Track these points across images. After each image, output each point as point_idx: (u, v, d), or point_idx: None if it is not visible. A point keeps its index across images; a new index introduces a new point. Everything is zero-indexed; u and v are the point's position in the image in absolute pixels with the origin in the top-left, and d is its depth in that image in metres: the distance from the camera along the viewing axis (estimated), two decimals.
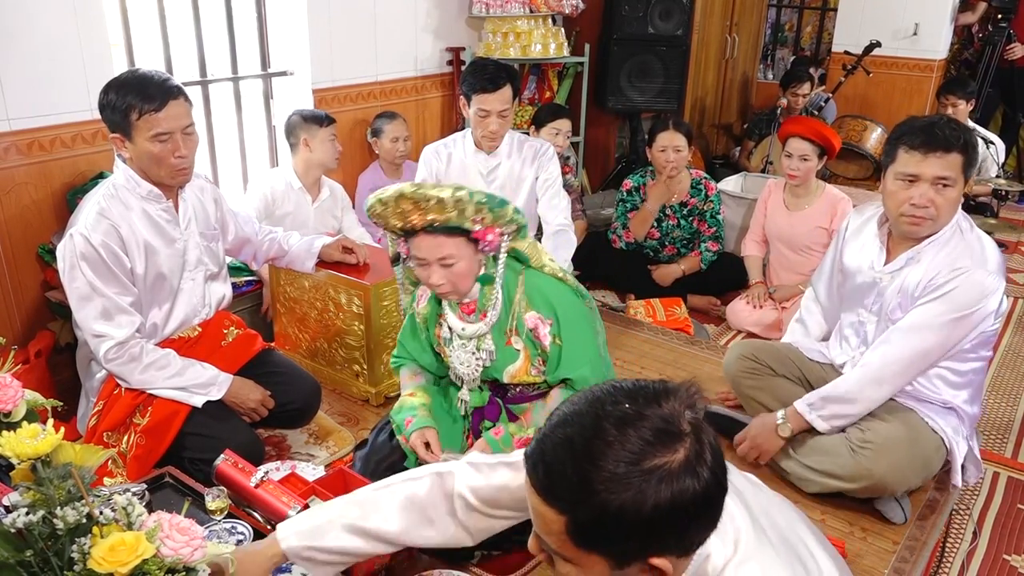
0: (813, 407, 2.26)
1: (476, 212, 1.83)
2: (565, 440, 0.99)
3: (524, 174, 3.17)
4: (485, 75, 2.94)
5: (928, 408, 2.23)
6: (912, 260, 2.17)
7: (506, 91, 2.97)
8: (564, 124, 3.79)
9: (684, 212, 3.74)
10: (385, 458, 2.15)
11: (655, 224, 3.76)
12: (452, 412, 2.20)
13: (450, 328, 2.09)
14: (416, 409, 2.08)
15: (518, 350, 2.04)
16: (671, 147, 3.55)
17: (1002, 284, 2.09)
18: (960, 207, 2.16)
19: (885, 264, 2.24)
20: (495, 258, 1.99)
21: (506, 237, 1.95)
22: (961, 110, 4.66)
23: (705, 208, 3.71)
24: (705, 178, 3.74)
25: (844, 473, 2.18)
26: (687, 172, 3.73)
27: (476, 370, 2.08)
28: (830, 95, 5.09)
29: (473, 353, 2.07)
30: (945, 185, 2.06)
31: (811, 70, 5.15)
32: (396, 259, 2.14)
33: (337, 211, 3.45)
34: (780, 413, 2.32)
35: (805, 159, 3.33)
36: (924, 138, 2.05)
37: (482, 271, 1.99)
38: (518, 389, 2.13)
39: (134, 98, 2.03)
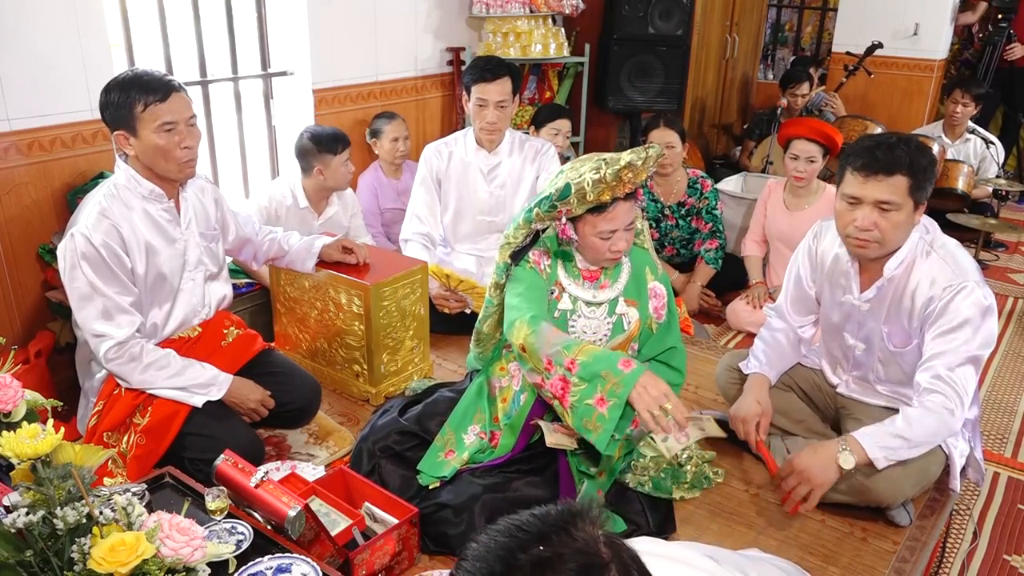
0: (883, 448, 2.01)
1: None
2: None
3: (525, 173, 3.18)
4: (486, 66, 2.99)
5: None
6: (885, 288, 2.13)
7: (505, 83, 2.99)
8: (564, 124, 3.79)
9: (682, 212, 3.74)
10: (381, 440, 2.18)
11: (655, 225, 3.76)
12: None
13: (573, 297, 2.14)
14: (618, 353, 1.95)
15: (631, 322, 2.14)
16: (664, 144, 3.57)
17: (991, 293, 2.06)
18: (922, 224, 2.11)
19: (861, 292, 2.19)
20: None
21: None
22: (969, 111, 4.65)
23: (701, 205, 3.72)
24: (702, 176, 3.75)
25: (841, 487, 2.13)
26: (683, 171, 3.73)
27: (605, 335, 2.15)
28: (834, 93, 5.09)
29: (604, 319, 2.14)
30: (887, 209, 1.99)
31: (811, 70, 5.14)
32: (517, 254, 2.15)
33: (345, 221, 3.42)
34: (841, 444, 2.02)
35: (812, 160, 3.33)
36: (865, 160, 2.00)
37: None
38: None
39: (138, 92, 2.03)
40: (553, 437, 2.05)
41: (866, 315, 2.20)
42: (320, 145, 3.18)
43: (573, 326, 2.13)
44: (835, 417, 2.46)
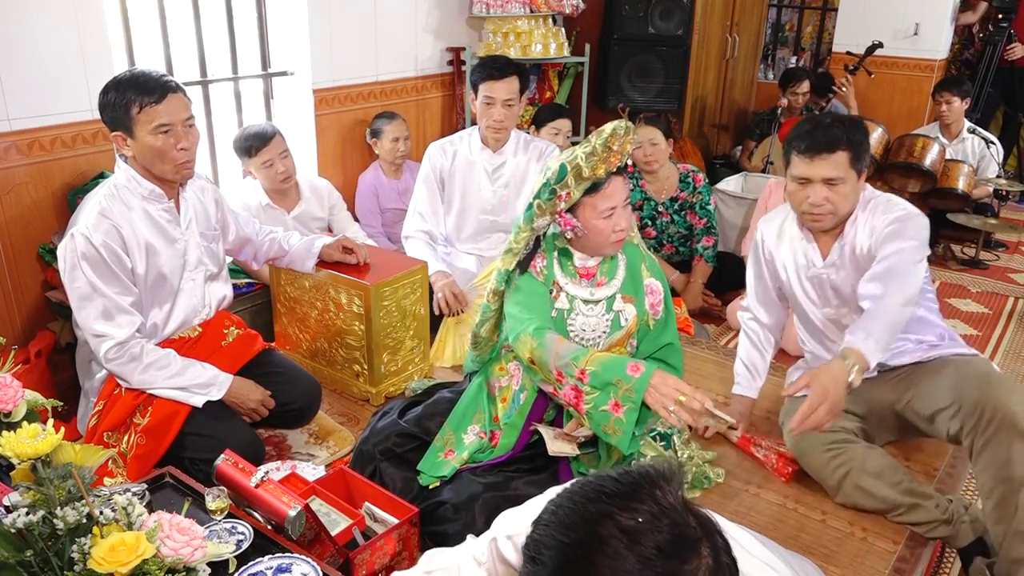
0: (870, 337, 1.98)
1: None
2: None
3: (529, 173, 3.18)
4: (494, 65, 3.02)
5: (947, 346, 2.30)
6: (844, 247, 2.25)
7: (512, 81, 3.00)
8: (564, 124, 3.79)
9: (676, 207, 3.74)
10: (381, 442, 2.17)
11: (651, 223, 3.76)
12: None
13: (571, 296, 2.13)
14: (625, 358, 1.96)
15: (627, 319, 2.13)
16: (647, 141, 3.60)
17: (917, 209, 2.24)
18: (864, 186, 2.26)
19: (824, 260, 2.30)
20: None
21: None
22: (956, 107, 4.66)
23: (694, 200, 3.72)
24: (693, 171, 3.76)
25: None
26: (673, 167, 3.74)
27: (604, 332, 2.14)
28: (849, 77, 5.08)
29: (603, 316, 2.13)
30: (835, 183, 2.16)
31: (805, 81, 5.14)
32: (524, 262, 2.14)
33: (321, 212, 3.42)
34: (848, 361, 1.94)
35: None
36: (809, 142, 2.16)
37: None
38: None
39: (134, 93, 2.03)
40: (555, 445, 2.05)
41: (835, 280, 2.29)
42: (237, 149, 3.19)
43: (572, 325, 2.13)
44: (897, 417, 2.33)
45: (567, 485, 0.95)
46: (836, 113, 2.21)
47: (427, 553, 1.43)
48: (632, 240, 2.19)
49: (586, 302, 2.12)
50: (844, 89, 5.00)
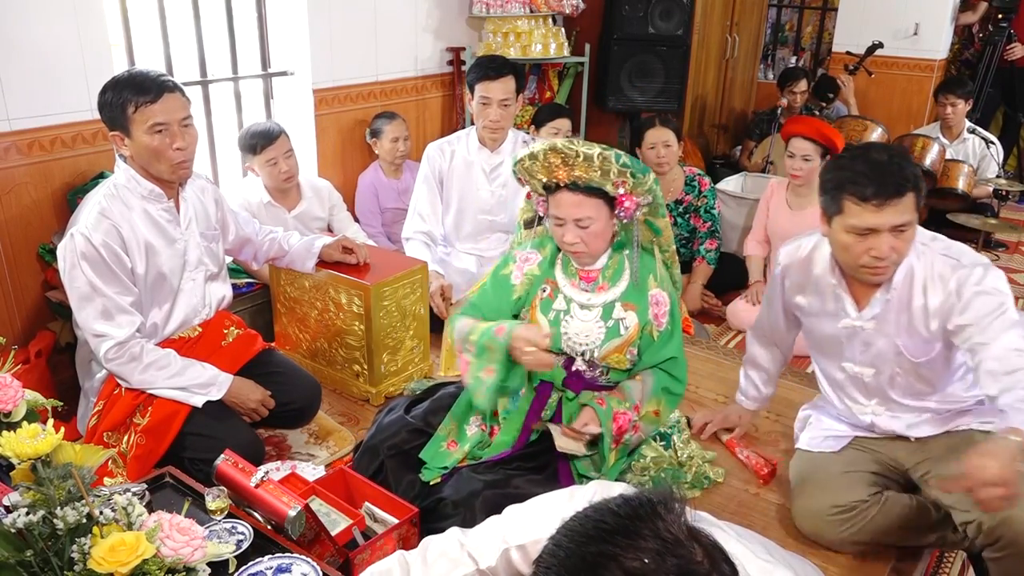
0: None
1: (619, 175, 1.91)
2: None
3: None
4: (490, 65, 3.01)
5: (977, 414, 2.07)
6: (891, 300, 1.98)
7: (509, 81, 3.00)
8: (564, 124, 3.79)
9: (680, 210, 3.74)
10: (389, 438, 2.16)
11: None
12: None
13: (568, 298, 2.12)
14: (498, 323, 2.04)
15: (628, 327, 2.09)
16: (660, 143, 3.59)
17: (986, 260, 1.99)
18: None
19: (860, 310, 2.04)
20: (627, 228, 2.07)
21: (643, 208, 2.02)
22: (960, 109, 4.67)
23: (699, 204, 3.72)
24: (699, 174, 3.76)
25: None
26: (680, 169, 3.74)
27: (598, 339, 2.10)
28: (849, 77, 5.09)
29: (596, 322, 2.09)
30: (903, 229, 1.87)
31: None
32: (529, 223, 2.21)
33: (322, 212, 3.42)
34: (1016, 439, 1.69)
35: (807, 159, 3.33)
36: (875, 187, 1.82)
37: (618, 238, 2.07)
38: (596, 371, 2.14)
39: (129, 92, 2.03)
40: (562, 441, 2.05)
41: (872, 334, 2.04)
42: (241, 145, 3.20)
43: (565, 327, 2.12)
44: (906, 478, 2.17)
45: (567, 519, 0.90)
46: (882, 146, 1.99)
47: (425, 540, 1.42)
48: (654, 249, 2.14)
49: (582, 306, 2.10)
50: (844, 86, 5.01)
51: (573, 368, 2.15)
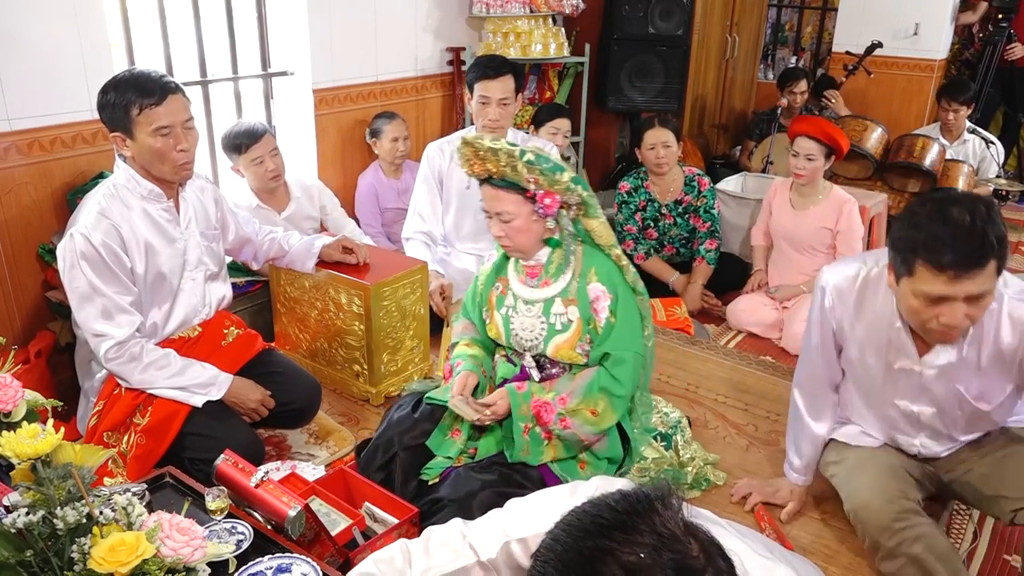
0: None
1: (528, 171, 1.90)
2: None
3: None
4: (489, 64, 3.02)
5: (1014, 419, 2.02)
6: (961, 352, 1.85)
7: (508, 80, 3.00)
8: (563, 124, 3.80)
9: (680, 210, 3.74)
10: (407, 431, 2.15)
11: (653, 224, 3.76)
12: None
13: (515, 294, 2.13)
14: (465, 356, 2.19)
15: (571, 321, 2.07)
16: (660, 144, 3.59)
17: None
18: None
19: (921, 356, 1.89)
20: (563, 227, 2.06)
21: (571, 208, 2.01)
22: (962, 115, 4.68)
23: (699, 204, 3.72)
24: (699, 174, 3.75)
25: None
26: (679, 170, 3.74)
27: (540, 335, 2.10)
28: (835, 92, 5.10)
29: (538, 317, 2.10)
30: (981, 298, 1.68)
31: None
32: None
33: (313, 211, 3.39)
34: None
35: (810, 159, 3.32)
36: (954, 256, 1.62)
37: (553, 235, 2.06)
38: (553, 369, 2.13)
39: (133, 94, 2.03)
40: (455, 401, 2.07)
41: (933, 380, 1.91)
42: (225, 145, 3.16)
43: (513, 323, 2.14)
44: (940, 484, 2.10)
45: (565, 513, 0.91)
46: (961, 198, 1.71)
47: (428, 529, 1.43)
48: (604, 245, 2.09)
49: (525, 302, 2.11)
50: (833, 102, 5.02)
51: (523, 365, 2.17)
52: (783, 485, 2.30)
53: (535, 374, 2.16)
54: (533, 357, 2.16)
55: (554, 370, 2.14)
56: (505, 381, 2.17)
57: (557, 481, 2.08)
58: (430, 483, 2.09)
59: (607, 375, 2.04)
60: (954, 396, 1.91)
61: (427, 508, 2.04)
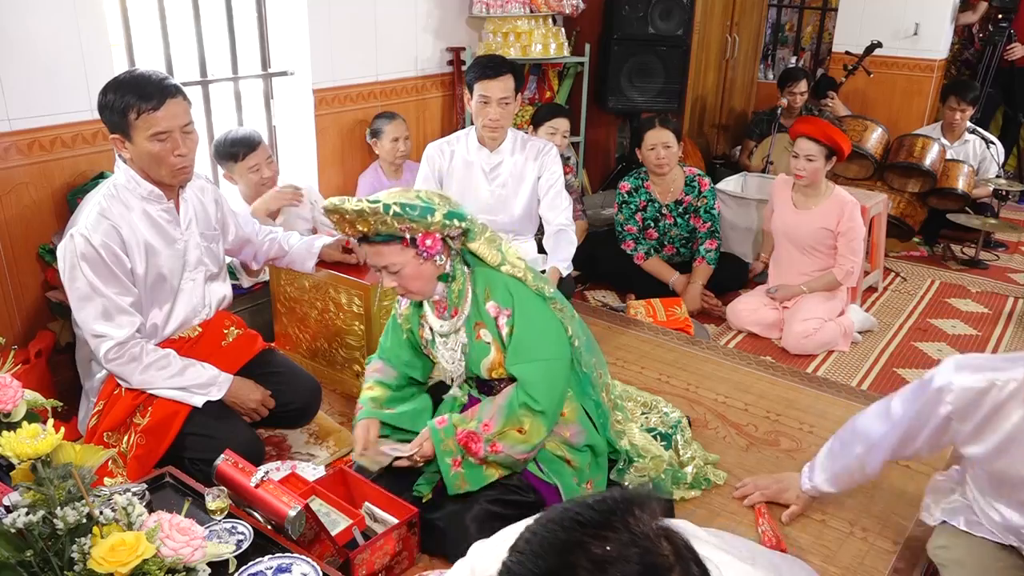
0: None
1: (399, 222, 1.86)
2: None
3: (526, 172, 3.18)
4: (489, 64, 3.02)
5: None
6: None
7: (508, 80, 3.00)
8: (561, 123, 3.79)
9: (680, 210, 3.74)
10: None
11: (653, 224, 3.76)
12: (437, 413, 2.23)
13: (431, 329, 2.13)
14: (366, 401, 2.19)
15: (488, 343, 2.05)
16: (660, 144, 3.59)
17: None
18: None
19: None
20: (454, 257, 2.03)
21: (452, 240, 1.99)
22: (967, 115, 4.68)
23: (699, 204, 3.72)
24: (699, 175, 3.75)
25: None
26: (680, 170, 3.74)
27: (460, 366, 2.11)
28: (833, 94, 5.11)
29: (454, 349, 2.10)
30: None
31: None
32: None
33: (305, 211, 3.37)
34: None
35: (810, 159, 3.33)
36: None
37: (444, 271, 2.02)
38: (502, 384, 2.12)
39: (132, 98, 2.02)
40: (362, 459, 2.10)
41: None
42: (219, 153, 3.15)
43: (437, 357, 2.16)
44: None
45: (546, 512, 0.94)
46: None
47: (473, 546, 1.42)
48: (492, 264, 2.05)
49: (441, 335, 2.11)
50: (832, 103, 5.02)
51: (468, 391, 2.20)
52: (792, 487, 2.26)
53: (462, 396, 2.19)
54: (468, 382, 2.18)
55: (502, 385, 2.12)
56: (464, 407, 2.17)
57: (547, 486, 2.09)
58: (424, 500, 2.09)
59: (523, 393, 2.00)
60: None
61: (426, 523, 2.04)
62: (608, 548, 0.86)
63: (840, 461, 2.09)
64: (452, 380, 2.20)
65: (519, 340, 2.00)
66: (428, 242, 1.92)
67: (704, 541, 1.17)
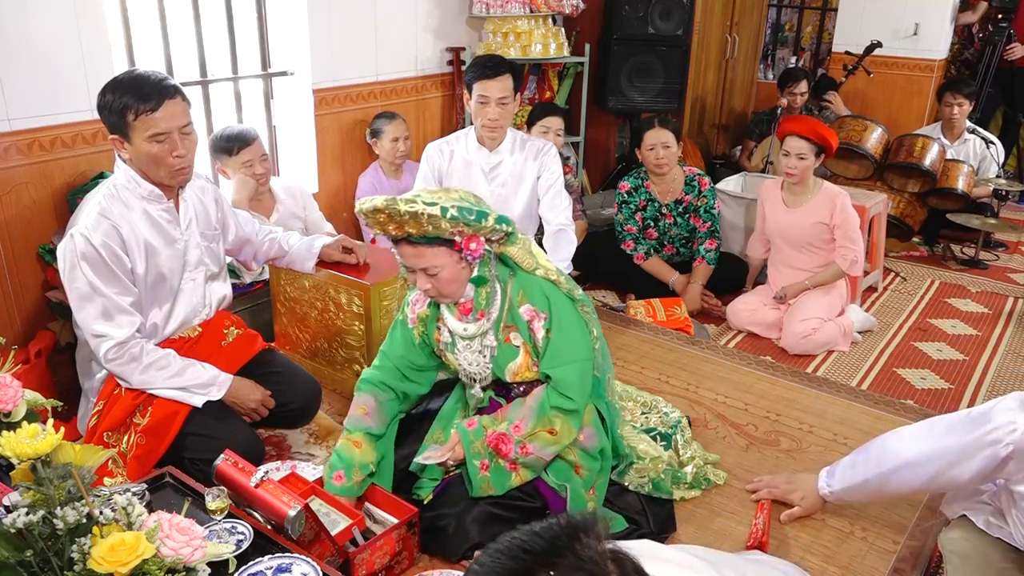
0: None
1: (452, 225, 1.84)
2: None
3: (526, 172, 3.18)
4: (488, 64, 3.01)
5: None
6: None
7: (506, 80, 3.00)
8: (553, 122, 3.79)
9: (680, 210, 3.74)
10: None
11: (653, 224, 3.76)
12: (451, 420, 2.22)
13: (451, 332, 2.10)
14: (352, 469, 2.02)
15: (517, 346, 2.05)
16: (660, 144, 3.59)
17: None
18: None
19: None
20: (485, 260, 2.01)
21: (494, 244, 1.98)
22: (965, 109, 4.68)
23: (699, 204, 3.72)
24: (699, 174, 3.75)
25: None
26: (680, 169, 3.74)
27: (486, 368, 2.09)
28: (834, 93, 5.11)
29: (479, 352, 2.08)
30: None
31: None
32: None
33: (299, 210, 3.37)
34: None
35: (801, 158, 3.34)
36: None
37: (474, 273, 2.00)
38: (522, 388, 2.12)
39: (130, 99, 2.02)
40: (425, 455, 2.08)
41: None
42: (214, 147, 3.14)
43: (458, 360, 2.13)
44: None
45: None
46: None
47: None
48: (527, 268, 2.05)
49: (463, 338, 2.09)
50: (832, 102, 5.02)
51: (490, 397, 2.18)
52: (801, 489, 2.25)
53: (481, 400, 2.17)
54: (485, 387, 2.16)
55: (521, 389, 2.12)
56: (480, 411, 2.17)
57: (553, 492, 2.08)
58: (425, 502, 2.09)
59: (555, 393, 2.01)
60: None
61: (427, 525, 2.04)
62: (553, 574, 0.87)
63: (862, 475, 2.05)
64: (475, 382, 2.16)
65: (556, 343, 2.00)
66: (473, 245, 1.89)
67: (663, 560, 1.18)
